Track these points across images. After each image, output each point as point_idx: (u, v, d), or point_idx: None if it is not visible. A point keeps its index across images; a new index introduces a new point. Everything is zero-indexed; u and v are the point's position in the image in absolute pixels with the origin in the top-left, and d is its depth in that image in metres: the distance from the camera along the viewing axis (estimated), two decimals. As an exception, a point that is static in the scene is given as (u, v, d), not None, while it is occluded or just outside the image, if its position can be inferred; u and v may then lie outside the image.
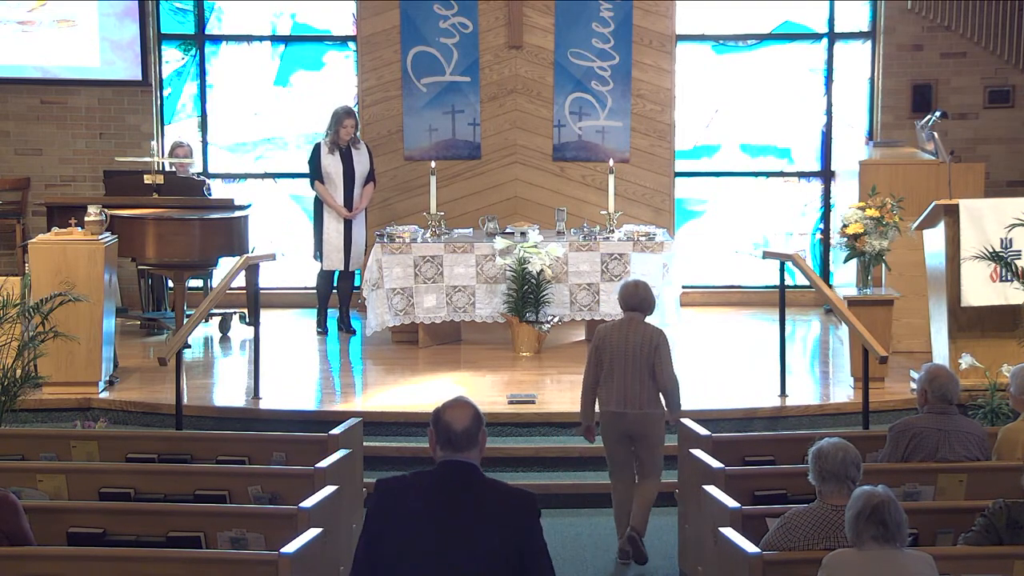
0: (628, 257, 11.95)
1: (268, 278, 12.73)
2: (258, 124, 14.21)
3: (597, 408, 8.67)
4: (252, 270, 10.73)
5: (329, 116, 12.38)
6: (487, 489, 5.01)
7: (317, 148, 12.35)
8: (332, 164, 12.22)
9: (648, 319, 8.61)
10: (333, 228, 12.31)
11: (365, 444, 8.75)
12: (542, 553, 4.95)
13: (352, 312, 12.70)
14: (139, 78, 13.85)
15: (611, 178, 12.40)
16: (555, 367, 11.44)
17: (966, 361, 10.12)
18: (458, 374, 11.21)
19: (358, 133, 12.41)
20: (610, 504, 8.89)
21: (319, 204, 12.40)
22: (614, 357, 8.50)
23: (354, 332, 12.48)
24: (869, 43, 14.06)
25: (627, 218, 12.93)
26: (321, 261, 12.42)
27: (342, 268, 12.41)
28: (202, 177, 13.20)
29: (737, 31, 14.10)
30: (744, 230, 14.08)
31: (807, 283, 10.95)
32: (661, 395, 8.52)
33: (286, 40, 14.15)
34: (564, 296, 11.94)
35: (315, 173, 12.31)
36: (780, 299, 10.66)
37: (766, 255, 11.29)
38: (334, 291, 12.62)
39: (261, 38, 14.15)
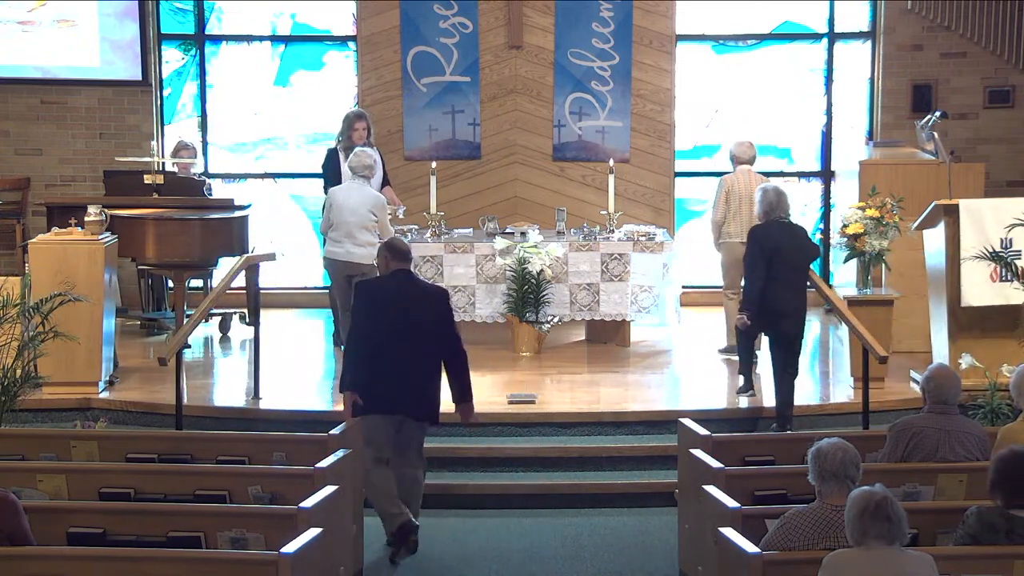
0: (628, 257, 11.95)
1: (268, 278, 12.72)
2: (258, 124, 14.22)
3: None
4: (252, 270, 10.73)
5: (340, 121, 12.26)
6: (422, 284, 8.77)
7: (334, 154, 12.09)
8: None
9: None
10: None
11: (365, 444, 8.75)
12: (453, 323, 8.59)
13: None
14: (139, 78, 13.85)
15: (611, 178, 12.40)
16: (555, 367, 11.44)
17: (966, 361, 10.11)
18: (458, 374, 11.19)
19: (371, 138, 12.25)
20: (610, 504, 9.35)
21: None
22: (741, 200, 11.32)
23: None
24: (869, 43, 14.07)
25: (627, 218, 12.93)
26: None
27: None
28: (202, 177, 13.18)
29: (737, 31, 14.10)
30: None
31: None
32: None
33: (286, 40, 14.16)
34: (564, 296, 11.93)
35: (332, 179, 11.98)
36: (780, 299, 10.65)
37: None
38: None
39: (261, 38, 14.15)
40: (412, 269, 11.74)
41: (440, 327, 8.44)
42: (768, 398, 10.31)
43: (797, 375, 10.07)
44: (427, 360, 8.38)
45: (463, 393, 8.59)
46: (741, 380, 10.38)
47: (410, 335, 8.33)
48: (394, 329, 8.33)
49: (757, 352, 10.92)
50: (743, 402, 10.32)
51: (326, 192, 12.06)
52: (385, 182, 12.35)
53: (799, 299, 10.02)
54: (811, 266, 10.25)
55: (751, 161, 11.63)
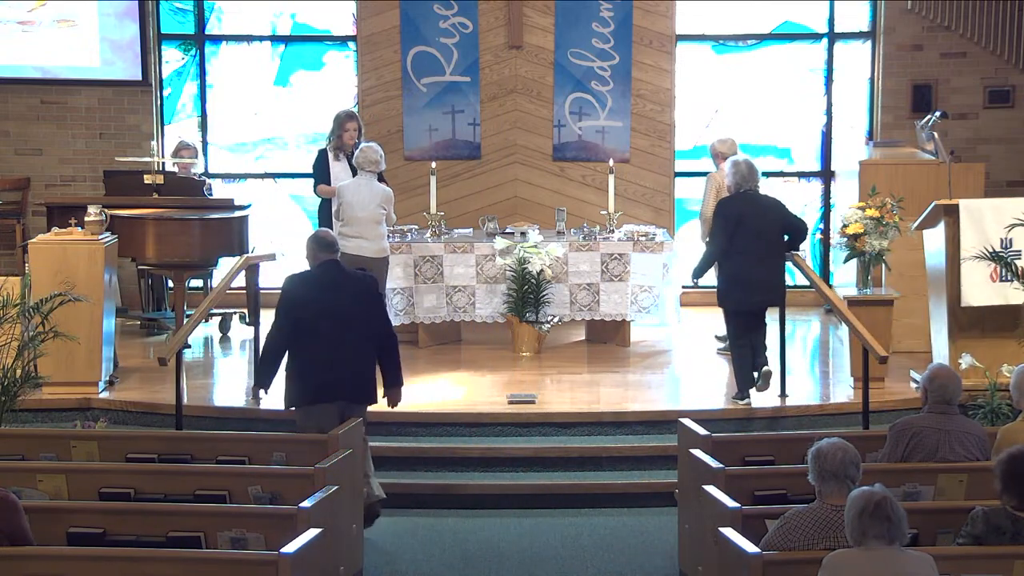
0: (628, 257, 11.95)
1: (268, 278, 12.69)
2: (258, 124, 14.22)
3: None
4: (252, 270, 10.73)
5: (331, 121, 12.26)
6: (351, 273, 8.88)
7: (323, 155, 12.04)
8: (341, 170, 12.02)
9: None
10: None
11: (365, 444, 8.76)
12: (383, 304, 9.05)
13: None
14: (139, 78, 13.86)
15: (611, 178, 12.40)
16: (555, 367, 11.44)
17: (966, 361, 10.11)
18: (458, 374, 11.21)
19: (361, 138, 12.22)
20: (610, 504, 9.38)
21: (325, 212, 12.17)
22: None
23: None
24: (869, 43, 14.07)
25: (627, 218, 12.94)
26: None
27: None
28: (203, 177, 13.17)
29: (737, 31, 14.10)
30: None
31: (807, 283, 10.95)
32: None
33: (286, 40, 14.16)
34: (564, 296, 11.94)
35: (320, 178, 11.98)
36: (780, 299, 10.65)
37: (766, 255, 11.28)
38: None
39: (261, 38, 14.15)
40: (414, 269, 11.92)
41: (371, 313, 8.63)
42: (762, 399, 10.32)
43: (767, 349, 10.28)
44: (361, 345, 8.55)
45: (393, 379, 8.76)
46: (736, 388, 10.34)
47: (342, 322, 8.50)
48: (327, 318, 8.48)
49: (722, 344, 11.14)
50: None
51: (316, 192, 12.09)
52: (380, 179, 12.34)
53: (767, 270, 10.14)
54: (799, 245, 10.36)
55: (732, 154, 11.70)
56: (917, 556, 5.64)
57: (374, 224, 11.16)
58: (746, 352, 10.27)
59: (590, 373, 11.37)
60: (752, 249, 10.06)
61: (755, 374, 10.19)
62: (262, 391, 8.92)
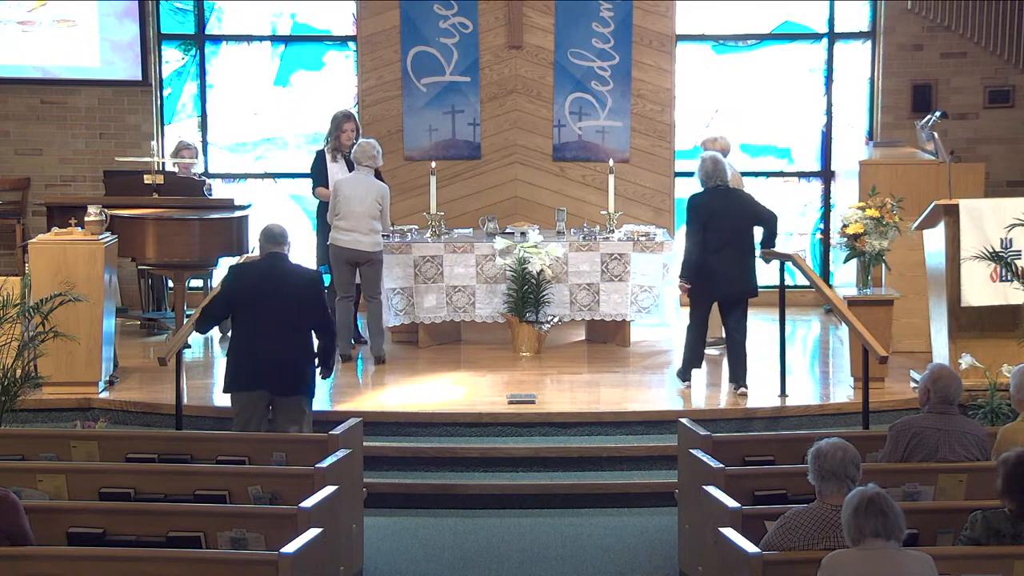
0: (628, 257, 11.95)
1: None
2: (258, 124, 14.22)
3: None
4: (252, 270, 10.72)
5: (329, 121, 12.25)
6: (294, 267, 8.97)
7: (321, 156, 12.06)
8: (339, 171, 11.99)
9: None
10: None
11: (365, 444, 8.76)
12: (323, 305, 8.93)
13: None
14: (139, 78, 13.86)
15: (611, 178, 12.40)
16: (555, 367, 11.44)
17: (966, 361, 10.12)
18: (458, 374, 11.21)
19: (359, 139, 12.20)
20: (610, 504, 9.35)
21: (324, 213, 12.12)
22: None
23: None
24: (869, 43, 14.07)
25: (627, 218, 12.94)
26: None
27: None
28: (203, 177, 13.17)
29: (737, 31, 14.10)
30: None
31: (807, 283, 10.96)
32: None
33: (286, 40, 14.16)
34: (564, 296, 11.94)
35: (318, 180, 11.98)
36: (780, 299, 10.66)
37: (766, 255, 11.28)
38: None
39: (261, 38, 14.15)
40: (414, 269, 11.91)
41: (309, 308, 8.77)
42: (762, 399, 10.32)
43: (745, 337, 10.44)
44: (292, 338, 8.72)
45: (323, 360, 8.96)
46: (682, 373, 10.64)
47: (275, 314, 8.66)
48: (260, 307, 8.68)
49: (715, 351, 11.29)
50: (742, 401, 10.32)
51: (314, 194, 12.08)
52: (377, 176, 12.34)
53: (733, 263, 10.31)
54: (774, 239, 10.52)
55: (726, 153, 11.77)
56: (916, 556, 5.64)
57: (369, 219, 11.30)
58: (699, 332, 10.51)
59: (590, 373, 11.37)
60: (720, 243, 10.29)
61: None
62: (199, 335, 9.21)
